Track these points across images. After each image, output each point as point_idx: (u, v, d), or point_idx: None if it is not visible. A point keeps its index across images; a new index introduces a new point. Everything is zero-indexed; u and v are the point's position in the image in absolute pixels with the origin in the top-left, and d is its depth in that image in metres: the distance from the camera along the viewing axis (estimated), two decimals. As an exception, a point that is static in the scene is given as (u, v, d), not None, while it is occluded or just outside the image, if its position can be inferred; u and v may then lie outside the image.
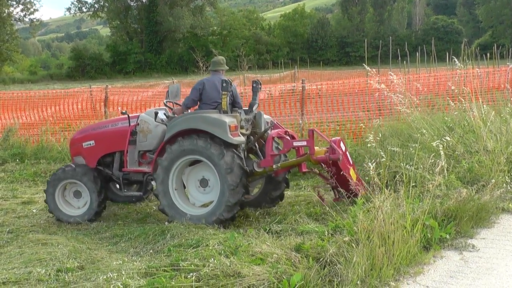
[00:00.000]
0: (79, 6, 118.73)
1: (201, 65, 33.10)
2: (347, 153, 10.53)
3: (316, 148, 10.38)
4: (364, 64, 15.61)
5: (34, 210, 11.98)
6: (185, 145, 9.97)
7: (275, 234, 8.94)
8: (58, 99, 22.81)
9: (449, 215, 8.68)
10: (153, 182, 10.60)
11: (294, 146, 10.65)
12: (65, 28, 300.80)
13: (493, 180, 9.82)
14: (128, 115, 11.16)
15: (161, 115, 10.94)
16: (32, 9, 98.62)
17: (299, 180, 13.47)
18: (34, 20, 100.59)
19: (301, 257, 7.31)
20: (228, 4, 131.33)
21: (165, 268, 7.25)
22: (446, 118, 12.75)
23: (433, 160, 9.19)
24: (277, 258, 7.24)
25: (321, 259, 7.13)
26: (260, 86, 11.29)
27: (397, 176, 9.63)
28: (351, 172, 10.28)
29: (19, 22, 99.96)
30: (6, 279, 7.48)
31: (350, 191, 9.68)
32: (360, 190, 10.00)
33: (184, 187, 10.55)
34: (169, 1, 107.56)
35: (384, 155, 9.63)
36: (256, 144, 11.03)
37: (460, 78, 16.87)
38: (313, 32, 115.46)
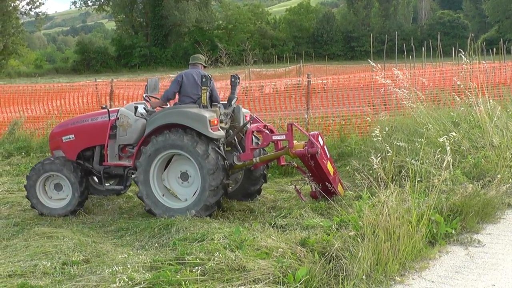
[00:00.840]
0: (84, 0, 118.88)
1: (207, 59, 33.08)
2: (325, 147, 10.61)
3: (295, 142, 10.44)
4: (369, 59, 15.60)
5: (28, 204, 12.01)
6: (170, 139, 10.06)
7: (280, 228, 8.93)
8: (64, 92, 22.84)
9: (454, 210, 8.66)
10: (133, 176, 10.60)
11: (273, 140, 10.72)
12: (70, 21, 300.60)
13: (499, 176, 9.81)
14: (108, 109, 11.22)
15: (140, 109, 11.03)
16: (37, 3, 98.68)
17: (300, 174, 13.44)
18: (40, 13, 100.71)
19: (306, 251, 7.31)
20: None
21: (171, 262, 7.26)
22: (452, 113, 12.73)
23: (439, 155, 9.18)
24: (282, 252, 7.24)
25: (326, 254, 7.13)
26: (238, 81, 11.37)
27: (403, 171, 9.63)
28: (328, 166, 10.38)
29: (24, 16, 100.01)
30: (12, 272, 7.49)
31: (327, 186, 10.03)
32: (337, 186, 10.31)
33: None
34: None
35: (389, 150, 9.62)
36: (235, 138, 11.09)
37: (466, 73, 16.82)
38: (319, 27, 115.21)
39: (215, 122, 10.12)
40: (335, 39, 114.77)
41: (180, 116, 10.17)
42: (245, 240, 7.76)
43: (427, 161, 9.87)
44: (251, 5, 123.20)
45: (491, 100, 12.46)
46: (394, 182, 8.96)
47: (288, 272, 6.63)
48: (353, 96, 18.83)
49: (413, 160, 9.87)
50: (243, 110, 11.20)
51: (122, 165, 10.97)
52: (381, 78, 13.18)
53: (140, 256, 7.72)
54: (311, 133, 10.59)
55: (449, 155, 8.55)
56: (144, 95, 11.33)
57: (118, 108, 11.46)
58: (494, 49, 34.39)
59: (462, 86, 13.53)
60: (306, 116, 17.10)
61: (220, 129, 10.29)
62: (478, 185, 9.51)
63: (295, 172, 13.16)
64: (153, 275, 6.74)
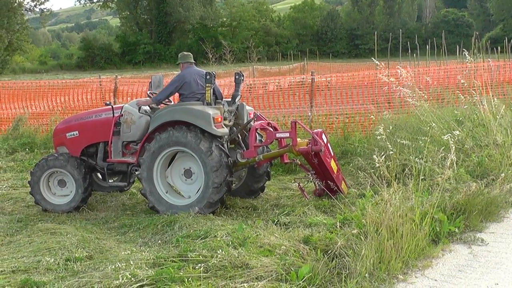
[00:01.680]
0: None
1: (211, 56, 33.05)
2: (329, 145, 10.62)
3: (298, 139, 10.45)
4: (374, 57, 15.59)
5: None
6: (174, 136, 10.07)
7: (283, 226, 8.95)
8: (68, 89, 22.83)
9: (458, 209, 8.67)
10: (137, 173, 10.61)
11: (277, 138, 10.70)
12: (75, 18, 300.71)
13: (503, 174, 9.80)
14: (112, 106, 11.20)
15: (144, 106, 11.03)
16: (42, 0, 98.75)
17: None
18: (45, 10, 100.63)
19: (309, 249, 7.33)
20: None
21: (173, 259, 7.26)
22: (455, 112, 12.72)
23: (442, 154, 9.17)
24: (285, 250, 7.26)
25: (329, 252, 7.14)
26: (242, 78, 11.36)
27: (406, 169, 9.63)
28: (332, 164, 10.39)
29: (29, 12, 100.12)
30: (16, 268, 7.51)
31: (330, 184, 10.06)
32: (340, 184, 10.35)
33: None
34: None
35: (393, 148, 9.62)
36: (239, 135, 11.04)
37: (470, 71, 16.81)
38: (323, 24, 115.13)
39: (219, 119, 10.13)
40: (339, 37, 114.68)
41: (184, 113, 10.17)
42: (248, 238, 7.77)
43: (430, 160, 9.87)
44: (255, 2, 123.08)
45: (495, 99, 12.44)
46: (397, 180, 8.97)
47: (291, 270, 6.64)
48: (357, 94, 18.82)
49: (416, 159, 9.87)
50: (247, 107, 11.18)
51: (126, 162, 10.96)
52: (385, 76, 13.12)
53: (143, 253, 7.74)
54: (315, 131, 10.60)
55: (453, 153, 8.54)
56: (148, 92, 11.33)
57: (122, 104, 11.44)
58: (499, 48, 34.31)
59: (466, 84, 13.52)
60: (309, 113, 17.09)
61: (224, 126, 10.30)
62: (481, 183, 9.50)
63: (298, 170, 13.15)
64: (156, 272, 6.75)
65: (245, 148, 10.85)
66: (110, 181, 11.50)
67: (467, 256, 7.61)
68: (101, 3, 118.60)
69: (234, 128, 10.93)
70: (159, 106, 10.90)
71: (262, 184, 11.46)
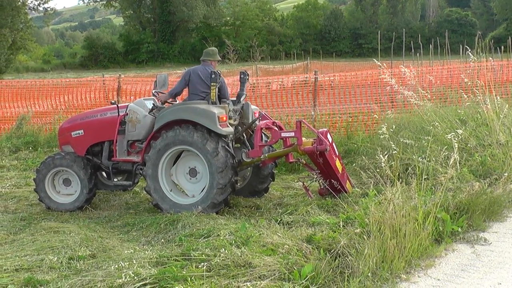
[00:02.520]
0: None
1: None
2: (333, 144, 10.62)
3: (303, 139, 10.44)
4: (377, 56, 15.60)
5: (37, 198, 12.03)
6: (180, 135, 10.09)
7: (286, 225, 8.95)
8: (71, 88, 22.90)
9: (461, 208, 8.66)
10: (142, 170, 10.63)
11: (282, 137, 10.70)
12: (78, 17, 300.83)
13: (506, 174, 9.79)
14: (117, 105, 11.22)
15: (149, 105, 11.08)
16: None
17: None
18: (48, 9, 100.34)
19: (312, 248, 7.33)
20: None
21: (176, 258, 7.27)
22: (459, 111, 12.71)
23: (445, 153, 9.17)
24: (288, 249, 7.26)
25: (332, 251, 7.14)
26: (247, 77, 11.40)
27: (409, 169, 9.63)
28: (337, 163, 10.38)
29: (33, 11, 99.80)
30: (19, 266, 7.52)
31: (335, 183, 10.01)
32: (345, 183, 10.35)
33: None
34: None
35: (396, 147, 9.62)
36: (244, 135, 11.08)
37: (473, 70, 16.79)
38: (326, 24, 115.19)
39: (224, 118, 10.14)
40: (343, 36, 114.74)
41: (188, 112, 10.18)
42: (251, 237, 7.77)
43: (433, 159, 9.86)
44: (258, 1, 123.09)
45: (498, 98, 12.43)
46: (400, 179, 8.96)
47: (294, 269, 6.64)
48: (360, 93, 18.82)
49: (419, 158, 9.88)
50: (252, 106, 11.19)
51: (131, 161, 10.99)
52: (387, 76, 13.10)
53: (146, 252, 7.74)
54: (320, 130, 10.59)
55: (456, 152, 8.54)
56: (153, 91, 11.38)
57: (127, 103, 11.46)
58: (502, 47, 34.26)
59: (469, 83, 13.51)
60: (313, 113, 17.09)
61: (229, 125, 10.32)
62: (484, 183, 9.50)
63: (302, 169, 13.16)
64: (158, 271, 6.75)
65: (250, 148, 10.87)
66: (114, 180, 11.51)
67: (470, 256, 7.60)
68: (104, 2, 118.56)
69: (239, 127, 10.96)
70: (164, 105, 10.94)
71: (266, 185, 11.48)
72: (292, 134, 10.57)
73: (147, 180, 10.46)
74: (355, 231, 7.36)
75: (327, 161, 10.22)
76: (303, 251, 7.21)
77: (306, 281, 6.44)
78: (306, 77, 21.00)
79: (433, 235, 7.85)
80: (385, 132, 9.85)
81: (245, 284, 6.42)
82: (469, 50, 14.13)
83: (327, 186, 10.41)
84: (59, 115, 19.59)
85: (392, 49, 39.17)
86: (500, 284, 6.70)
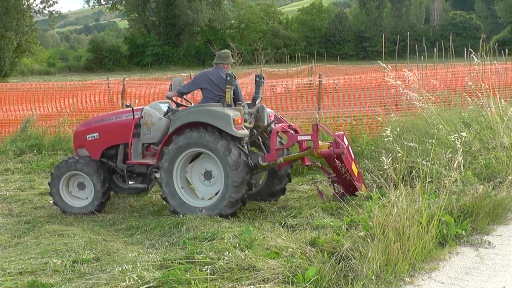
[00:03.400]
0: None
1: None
2: (350, 147, 10.58)
3: (319, 142, 10.40)
4: (382, 59, 15.59)
5: (51, 201, 11.98)
6: (192, 137, 10.03)
7: (290, 228, 8.94)
8: (76, 91, 22.92)
9: (465, 211, 8.66)
10: (157, 175, 10.56)
11: (299, 140, 10.68)
12: (83, 20, 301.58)
13: (510, 177, 9.78)
14: (132, 108, 11.18)
15: (164, 107, 11.06)
16: (51, 1, 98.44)
17: (315, 174, 13.40)
18: (53, 12, 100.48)
19: (316, 251, 7.33)
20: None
21: (180, 261, 7.27)
22: (463, 114, 12.70)
23: (449, 156, 9.17)
24: (292, 252, 7.27)
25: (336, 254, 7.14)
26: (263, 80, 11.30)
27: (413, 172, 9.62)
28: (353, 167, 10.36)
29: (38, 14, 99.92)
30: (23, 269, 7.52)
31: (351, 186, 9.98)
32: (360, 186, 10.22)
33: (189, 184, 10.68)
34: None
35: (400, 150, 9.62)
36: (259, 138, 11.05)
37: (477, 74, 16.78)
38: (331, 27, 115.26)
39: (239, 120, 10.07)
40: (347, 39, 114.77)
41: (203, 114, 10.12)
42: (255, 240, 7.77)
43: (437, 162, 9.85)
44: (263, 4, 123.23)
45: (502, 101, 12.42)
46: (404, 182, 8.96)
47: (298, 272, 6.64)
48: (365, 96, 18.82)
49: (423, 161, 9.87)
50: (268, 110, 11.14)
51: (146, 164, 10.94)
52: (391, 79, 13.10)
53: (150, 255, 7.74)
54: (336, 133, 10.56)
55: (460, 155, 8.54)
56: (166, 94, 11.33)
57: (142, 106, 11.44)
58: (507, 50, 34.21)
59: (473, 87, 13.50)
60: (317, 116, 17.08)
61: (244, 128, 10.23)
62: (488, 186, 9.48)
63: (306, 172, 13.18)
64: (162, 274, 6.76)
65: (265, 151, 10.85)
66: (130, 182, 11.43)
67: (474, 259, 7.59)
68: (109, 5, 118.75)
69: (254, 131, 10.93)
70: (178, 109, 10.91)
71: (283, 186, 11.40)
72: (309, 137, 10.52)
73: (162, 186, 10.40)
74: (359, 234, 7.36)
75: (344, 164, 10.20)
76: (307, 254, 7.22)
77: (310, 284, 6.44)
78: (311, 80, 20.98)
79: (437, 238, 7.85)
80: (389, 135, 9.86)
81: (249, 287, 6.43)
82: (473, 53, 14.10)
83: (342, 190, 10.41)
84: (63, 118, 19.63)
85: (397, 52, 39.04)
86: (505, 287, 6.69)
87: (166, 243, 8.58)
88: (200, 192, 10.52)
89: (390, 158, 8.60)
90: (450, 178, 8.47)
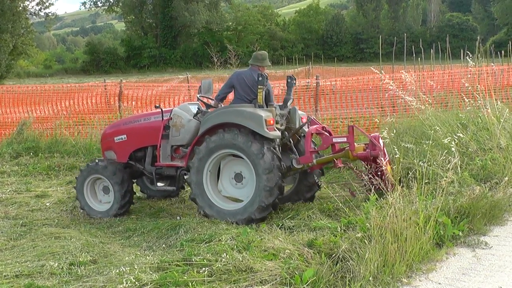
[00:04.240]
0: (94, 0, 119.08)
1: (216, 60, 33.13)
2: (385, 149, 10.38)
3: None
4: (378, 60, 15.63)
5: (47, 204, 12.03)
6: (225, 138, 9.83)
7: (287, 229, 8.93)
8: (73, 93, 22.92)
9: (462, 212, 8.66)
10: (186, 176, 10.44)
11: (334, 143, 10.45)
12: (80, 22, 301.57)
13: (506, 178, 9.77)
14: (161, 109, 11.02)
15: (193, 109, 10.86)
16: (47, 3, 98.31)
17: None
18: (50, 14, 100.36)
19: (313, 253, 7.34)
20: (243, 0, 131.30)
21: (178, 263, 7.28)
22: (460, 115, 12.72)
23: (446, 157, 9.17)
24: (289, 253, 7.27)
25: (333, 255, 7.15)
26: (295, 82, 11.07)
27: (410, 173, 9.61)
28: (388, 168, 10.17)
29: (34, 16, 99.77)
30: (19, 272, 7.52)
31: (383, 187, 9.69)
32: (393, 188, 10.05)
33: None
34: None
35: (397, 152, 9.62)
36: (291, 140, 10.78)
37: (474, 75, 16.81)
38: (328, 28, 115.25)
39: (271, 122, 9.85)
40: (344, 41, 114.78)
41: (235, 115, 9.94)
42: (252, 241, 7.80)
43: (434, 163, 9.86)
44: (260, 6, 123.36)
45: (498, 102, 12.44)
46: (401, 184, 8.96)
47: (295, 274, 6.65)
48: (362, 98, 18.85)
49: (420, 162, 9.86)
50: (299, 112, 10.96)
51: (175, 166, 10.80)
52: (385, 82, 13.10)
53: (147, 257, 7.75)
54: (372, 134, 10.43)
55: (457, 157, 8.55)
56: (198, 95, 11.13)
57: (171, 108, 11.28)
58: (503, 52, 34.31)
59: (470, 88, 13.51)
60: (314, 117, 17.08)
61: (276, 129, 10.03)
62: (485, 187, 9.48)
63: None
64: (160, 276, 6.77)
65: (297, 153, 10.65)
66: (158, 185, 11.32)
67: (471, 260, 7.60)
68: (106, 7, 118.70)
69: (286, 133, 10.71)
70: (208, 110, 10.76)
71: (312, 193, 11.13)
72: (344, 139, 10.35)
73: (191, 187, 10.23)
74: (356, 235, 7.36)
75: (380, 166, 9.82)
76: (305, 256, 7.23)
77: (307, 285, 6.45)
78: (308, 82, 21.00)
79: (434, 239, 7.85)
80: (386, 136, 9.86)
81: (246, 288, 6.44)
82: (468, 56, 14.09)
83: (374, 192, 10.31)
84: (60, 121, 19.59)
85: (394, 53, 39.20)
86: (501, 287, 6.69)
87: (164, 245, 8.60)
88: (222, 185, 10.28)
89: (387, 160, 8.61)
90: (447, 179, 8.48)
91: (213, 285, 6.55)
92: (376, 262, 6.76)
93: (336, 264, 6.97)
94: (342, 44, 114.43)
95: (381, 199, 8.33)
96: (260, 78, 10.23)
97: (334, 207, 10.05)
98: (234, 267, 6.90)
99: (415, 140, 11.76)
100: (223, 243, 7.86)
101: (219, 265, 6.93)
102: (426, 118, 12.50)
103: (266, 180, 9.58)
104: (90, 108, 21.49)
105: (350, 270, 6.77)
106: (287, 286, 6.49)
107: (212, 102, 11.07)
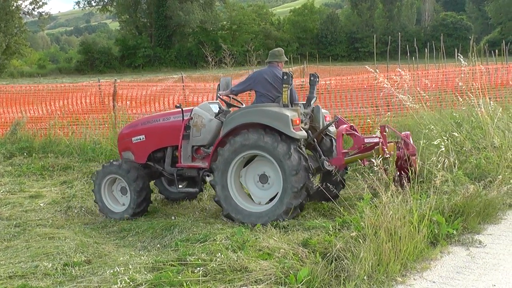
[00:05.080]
0: (88, 0, 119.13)
1: (210, 59, 33.04)
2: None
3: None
4: (373, 59, 15.65)
5: (41, 204, 11.99)
6: (250, 138, 9.56)
7: (282, 229, 8.91)
8: (67, 93, 22.84)
9: (456, 211, 8.67)
10: (207, 178, 10.24)
11: (365, 143, 10.23)
12: (74, 21, 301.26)
13: (500, 176, 9.80)
14: (182, 109, 10.74)
15: (215, 108, 10.67)
16: (40, 3, 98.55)
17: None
18: (43, 13, 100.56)
19: (308, 252, 7.34)
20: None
21: (172, 263, 7.27)
22: (454, 114, 12.74)
23: (440, 156, 9.18)
24: (284, 253, 7.27)
25: (328, 254, 7.15)
26: (318, 80, 10.88)
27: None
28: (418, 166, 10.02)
29: (27, 16, 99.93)
30: (13, 273, 7.48)
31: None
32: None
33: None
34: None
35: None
36: (315, 139, 10.46)
37: (468, 74, 16.83)
38: (323, 28, 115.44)
39: (297, 121, 9.59)
40: (339, 40, 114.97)
41: (260, 115, 9.68)
42: (247, 241, 7.79)
43: (428, 162, 9.86)
44: (255, 6, 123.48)
45: (492, 102, 12.47)
46: (395, 183, 8.96)
47: (290, 273, 6.65)
48: (356, 97, 18.84)
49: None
50: (323, 110, 10.74)
51: (196, 167, 10.53)
52: (381, 81, 13.08)
53: (142, 257, 7.74)
54: (403, 133, 10.33)
55: (452, 156, 8.56)
56: (218, 93, 10.88)
57: (192, 107, 11.00)
58: (497, 51, 34.37)
59: (464, 87, 13.53)
60: (340, 116, 17.06)
61: (302, 129, 9.80)
62: (479, 185, 9.50)
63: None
64: (154, 276, 6.76)
65: (321, 153, 10.37)
66: (179, 186, 11.05)
67: (465, 258, 7.61)
68: (100, 7, 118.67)
69: (310, 132, 10.42)
70: (230, 110, 10.66)
71: (338, 192, 10.56)
72: (376, 139, 10.11)
73: (215, 189, 9.97)
74: (351, 234, 7.37)
75: (412, 165, 9.64)
76: (299, 255, 7.22)
77: (302, 285, 6.44)
78: (303, 81, 21.00)
79: (429, 238, 7.87)
80: (379, 136, 9.87)
81: (241, 288, 6.43)
82: (461, 56, 14.06)
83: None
84: (54, 121, 19.52)
85: (388, 53, 39.13)
86: (495, 286, 6.70)
87: (158, 245, 8.58)
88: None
89: (381, 158, 8.61)
90: (441, 178, 8.49)
91: (208, 285, 6.54)
92: (370, 261, 6.77)
93: (331, 263, 6.96)
94: (337, 43, 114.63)
95: (373, 197, 8.33)
96: (285, 77, 9.96)
97: (329, 207, 10.06)
98: (228, 267, 6.89)
99: (409, 139, 11.76)
100: (217, 242, 7.85)
101: (214, 265, 6.92)
102: (420, 117, 12.52)
103: (293, 181, 9.35)
104: (84, 108, 21.41)
105: (344, 269, 6.77)
106: (281, 285, 6.48)
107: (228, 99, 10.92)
